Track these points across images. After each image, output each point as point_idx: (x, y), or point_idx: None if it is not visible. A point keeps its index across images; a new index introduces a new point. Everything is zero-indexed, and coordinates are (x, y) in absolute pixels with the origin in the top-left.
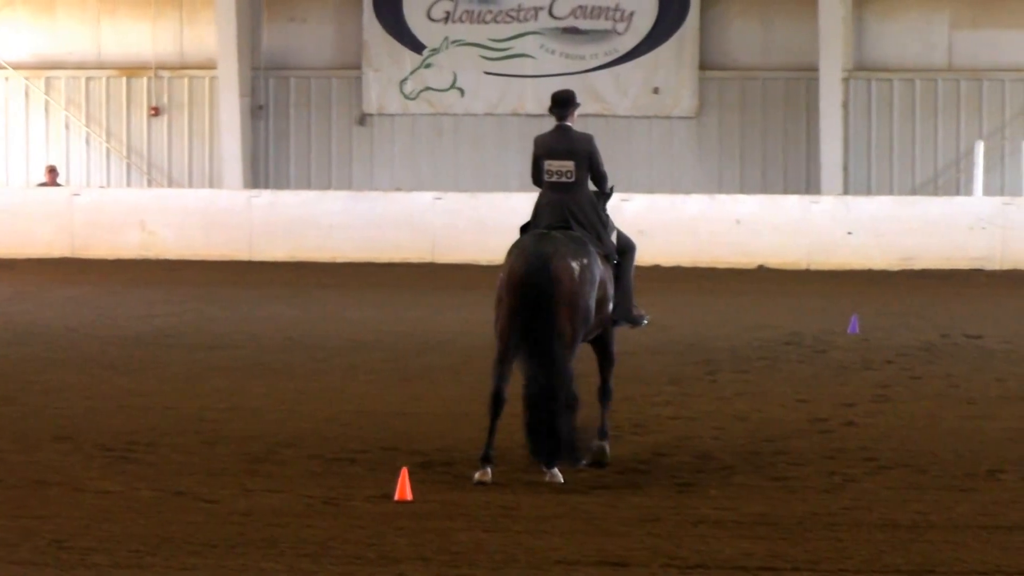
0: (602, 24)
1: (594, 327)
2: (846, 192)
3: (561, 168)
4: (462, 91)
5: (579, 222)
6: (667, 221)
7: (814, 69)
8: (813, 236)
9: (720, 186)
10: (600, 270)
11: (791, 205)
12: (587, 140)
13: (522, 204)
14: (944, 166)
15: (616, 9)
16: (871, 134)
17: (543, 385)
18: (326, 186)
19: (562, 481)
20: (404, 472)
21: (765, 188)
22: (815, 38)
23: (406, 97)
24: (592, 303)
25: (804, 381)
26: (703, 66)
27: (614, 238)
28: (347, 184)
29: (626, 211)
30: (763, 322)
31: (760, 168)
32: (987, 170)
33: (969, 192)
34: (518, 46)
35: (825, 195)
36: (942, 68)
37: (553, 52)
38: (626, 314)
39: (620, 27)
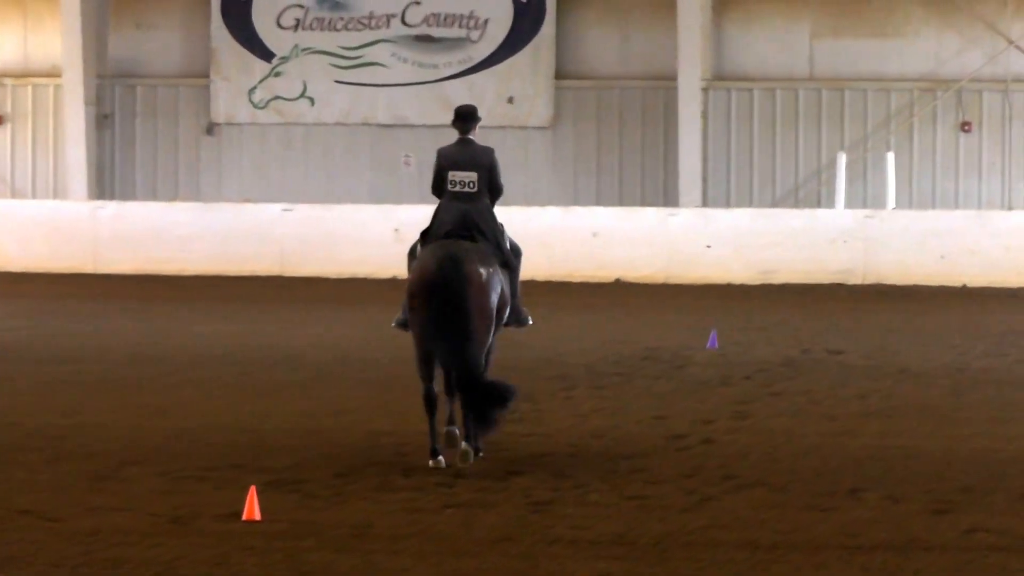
0: (456, 32)
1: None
2: (705, 204)
3: (464, 179)
4: (312, 100)
5: (479, 230)
6: (521, 234)
7: (672, 78)
8: (671, 249)
9: (576, 198)
10: (501, 280)
11: (649, 217)
12: (489, 153)
13: (373, 217)
14: (805, 178)
15: (470, 17)
16: (731, 145)
17: (466, 377)
18: (173, 197)
19: (444, 466)
20: (253, 490)
21: (622, 200)
22: (673, 47)
23: (255, 106)
24: (494, 310)
25: (662, 397)
26: (559, 75)
27: (507, 244)
28: (195, 195)
29: None
30: (620, 337)
31: (617, 179)
32: (849, 182)
33: (831, 205)
34: (370, 54)
35: (683, 207)
36: (803, 78)
37: (406, 60)
38: (515, 315)
39: (474, 35)
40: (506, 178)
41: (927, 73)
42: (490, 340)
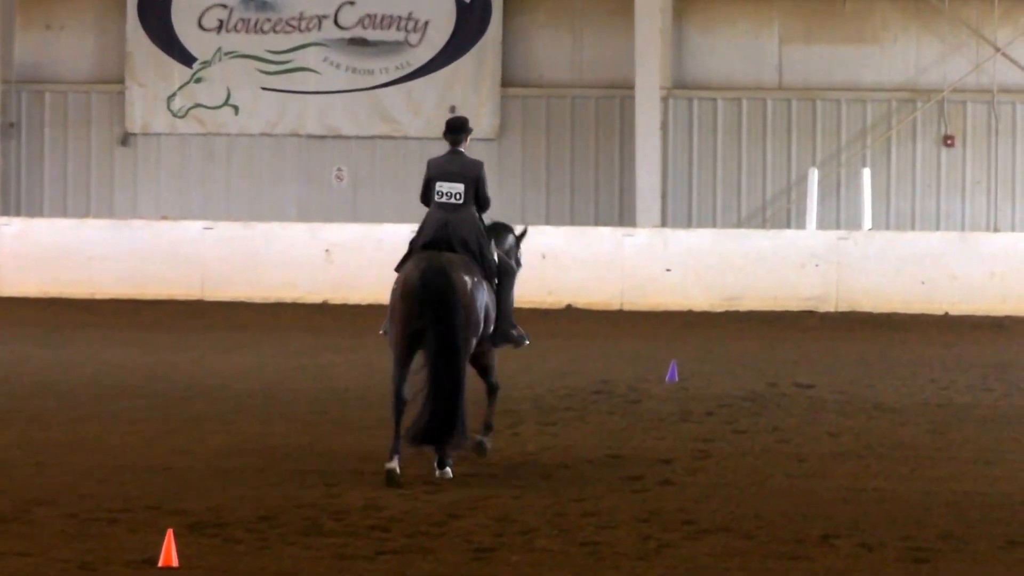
0: (393, 35)
1: (476, 344)
2: (664, 224)
3: (451, 190)
4: (236, 108)
5: (461, 240)
6: None
7: (629, 86)
8: (627, 273)
9: (523, 216)
10: (485, 292)
11: (602, 238)
12: (478, 166)
13: (302, 236)
14: (773, 196)
15: (409, 18)
16: (692, 159)
17: (448, 380)
18: (84, 213)
19: (451, 476)
20: (169, 534)
21: (573, 219)
22: (630, 52)
23: (174, 115)
24: (482, 317)
25: (616, 434)
26: (505, 82)
27: (495, 258)
28: (108, 211)
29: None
30: (571, 368)
31: (568, 196)
32: (821, 200)
33: (801, 225)
34: (299, 59)
35: (640, 227)
36: (772, 87)
37: (338, 66)
38: (505, 335)
39: (413, 38)
40: None
41: (906, 82)
42: (472, 347)
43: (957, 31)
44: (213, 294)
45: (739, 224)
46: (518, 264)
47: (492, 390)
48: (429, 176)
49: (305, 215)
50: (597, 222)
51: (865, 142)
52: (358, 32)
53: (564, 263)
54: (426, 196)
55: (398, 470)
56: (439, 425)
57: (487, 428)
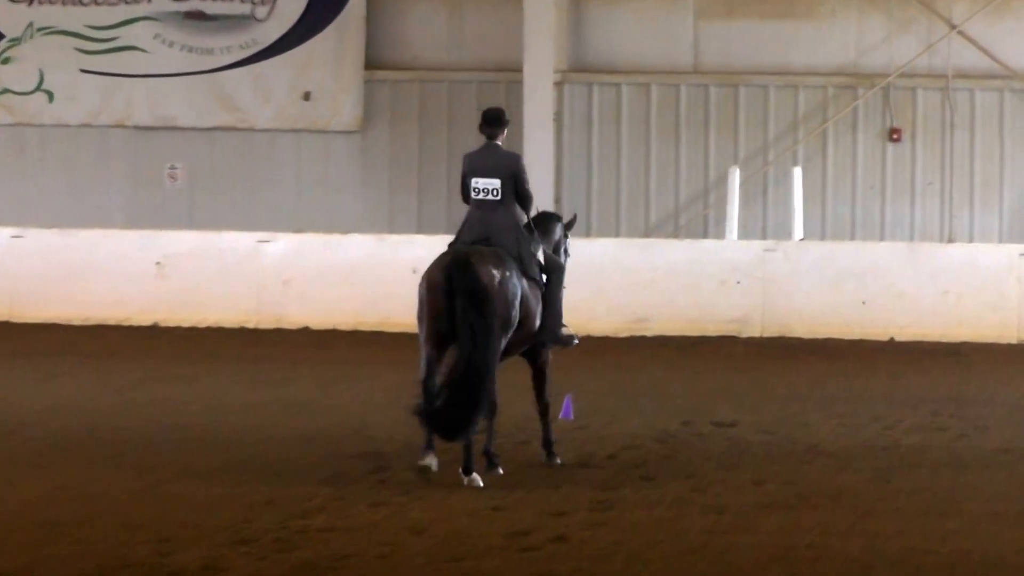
0: (236, 7)
1: (518, 342)
2: None
3: (487, 186)
4: (51, 95)
5: (500, 239)
6: (320, 268)
7: (517, 69)
8: None
9: (391, 223)
10: (522, 285)
11: None
12: (515, 159)
13: (129, 246)
14: (688, 199)
15: None
16: (592, 156)
17: (470, 371)
18: None
19: (481, 485)
20: None
21: (450, 226)
22: (519, 29)
23: None
24: (513, 312)
25: (501, 482)
26: (371, 64)
27: (540, 257)
28: None
29: (266, 256)
30: None
31: (444, 199)
32: (744, 205)
33: (721, 234)
34: (126, 36)
35: None
36: (686, 70)
37: (172, 44)
38: (554, 335)
39: (260, 11)
40: (301, 197)
41: (845, 65)
42: (503, 343)
43: (905, 5)
44: (23, 314)
45: (647, 233)
46: (566, 254)
47: (544, 409)
48: (464, 171)
49: (133, 221)
50: None
51: (796, 136)
52: (195, 4)
53: None
54: (464, 193)
55: (434, 467)
56: (450, 413)
57: (548, 445)
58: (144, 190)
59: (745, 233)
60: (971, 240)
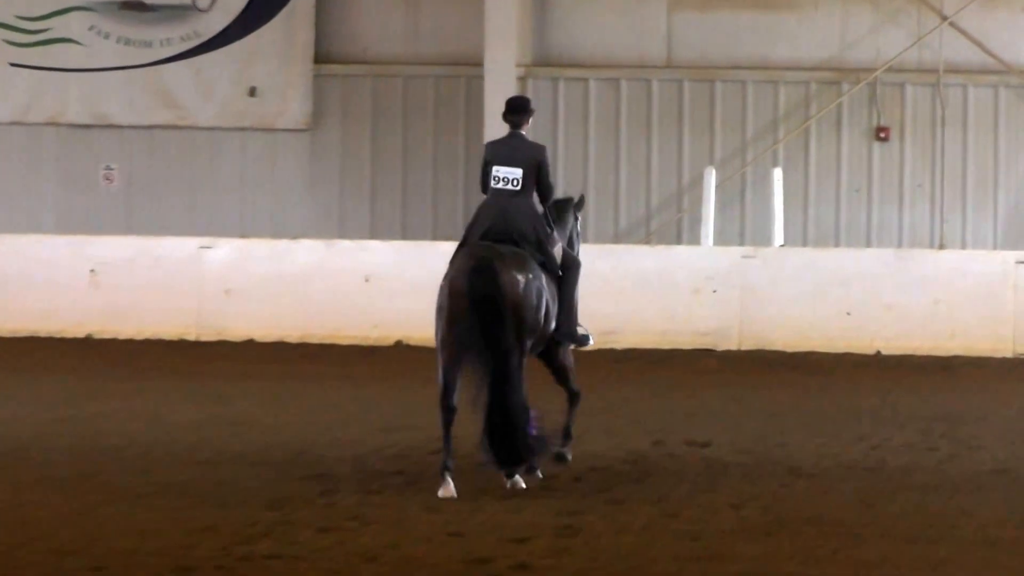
0: None
1: (534, 343)
2: None
3: (509, 175)
4: None
5: (519, 231)
6: (265, 277)
7: (479, 63)
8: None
9: (342, 228)
10: (542, 286)
11: (443, 257)
12: (539, 150)
13: (61, 252)
14: (661, 202)
15: None
16: (558, 155)
17: (496, 393)
18: None
19: (524, 487)
20: None
21: (406, 232)
22: (480, 20)
23: None
24: (539, 316)
25: (458, 505)
26: (321, 58)
27: (558, 252)
28: None
29: (208, 262)
30: (402, 422)
31: (400, 202)
32: (720, 209)
33: (696, 240)
34: (58, 27)
35: None
36: (659, 64)
37: (108, 36)
38: (569, 333)
39: (202, 2)
40: (245, 199)
41: (829, 59)
42: (527, 349)
43: None
44: None
45: (616, 239)
46: (578, 237)
47: (573, 398)
48: (486, 159)
49: (65, 225)
50: (435, 235)
51: (777, 135)
52: None
53: (394, 288)
54: (484, 182)
55: (452, 487)
56: (502, 444)
57: (566, 436)
58: (77, 193)
59: (721, 239)
60: (964, 246)
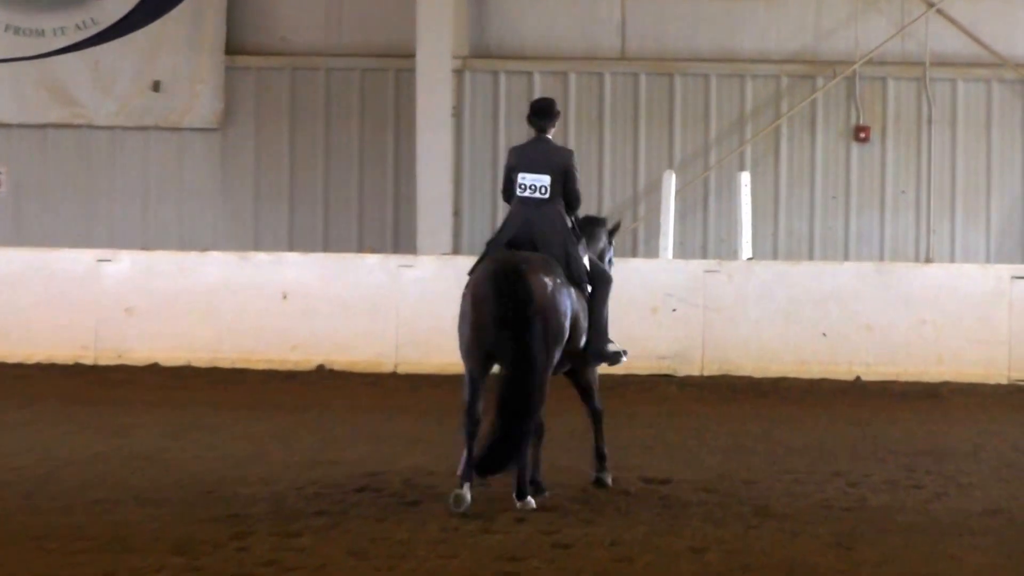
0: None
1: (563, 359)
2: (458, 251)
3: (535, 182)
4: None
5: (545, 241)
6: (171, 294)
7: (409, 55)
8: (404, 320)
9: (256, 238)
10: (572, 297)
11: (370, 271)
12: (567, 155)
13: None
14: (614, 209)
15: None
16: (498, 156)
17: (520, 396)
18: None
19: (535, 507)
20: None
21: (328, 243)
22: (411, 8)
23: None
24: (567, 324)
25: (388, 549)
26: (233, 49)
27: (586, 263)
28: None
29: (107, 277)
30: (324, 455)
31: (321, 210)
32: (681, 217)
33: (653, 252)
34: None
35: (423, 255)
36: (611, 56)
37: None
38: (600, 351)
39: None
40: (149, 206)
41: (803, 50)
42: (555, 359)
43: None
44: None
45: None
46: (610, 263)
47: (596, 416)
48: (510, 165)
49: None
50: (362, 247)
51: (744, 135)
52: None
53: (315, 306)
54: (507, 189)
55: (468, 498)
56: (502, 446)
57: (600, 458)
58: None
59: (682, 251)
60: (953, 260)
